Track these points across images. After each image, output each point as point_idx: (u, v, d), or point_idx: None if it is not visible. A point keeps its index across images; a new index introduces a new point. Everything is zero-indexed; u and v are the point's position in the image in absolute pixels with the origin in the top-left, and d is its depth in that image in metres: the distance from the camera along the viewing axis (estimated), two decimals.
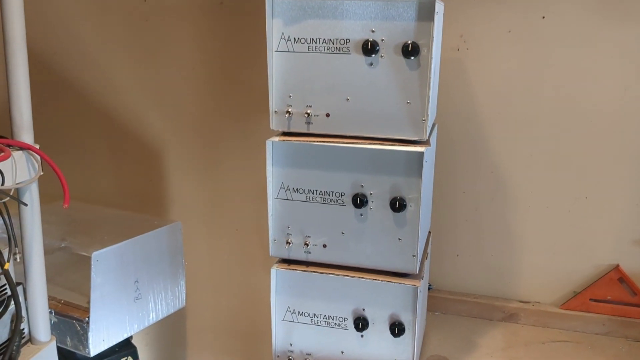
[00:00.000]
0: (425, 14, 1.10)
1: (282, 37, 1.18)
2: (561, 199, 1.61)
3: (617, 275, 1.59)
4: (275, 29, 1.19)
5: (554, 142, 1.57)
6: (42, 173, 1.04)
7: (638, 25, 1.46)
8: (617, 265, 1.59)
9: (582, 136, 1.55)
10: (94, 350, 1.40)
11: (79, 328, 1.39)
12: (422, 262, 1.29)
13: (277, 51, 1.19)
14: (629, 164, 1.54)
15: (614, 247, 1.59)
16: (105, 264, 1.41)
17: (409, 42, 1.11)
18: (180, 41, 1.86)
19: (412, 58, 1.12)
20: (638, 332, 1.58)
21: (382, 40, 1.13)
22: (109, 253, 1.42)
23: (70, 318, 1.40)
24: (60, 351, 1.40)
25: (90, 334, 1.39)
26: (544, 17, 1.52)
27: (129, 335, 1.52)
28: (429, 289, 1.71)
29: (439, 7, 1.17)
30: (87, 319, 1.38)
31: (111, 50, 1.95)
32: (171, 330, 2.14)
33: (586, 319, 1.62)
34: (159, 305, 1.60)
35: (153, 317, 1.59)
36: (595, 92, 1.52)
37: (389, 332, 1.28)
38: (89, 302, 1.38)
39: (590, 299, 1.62)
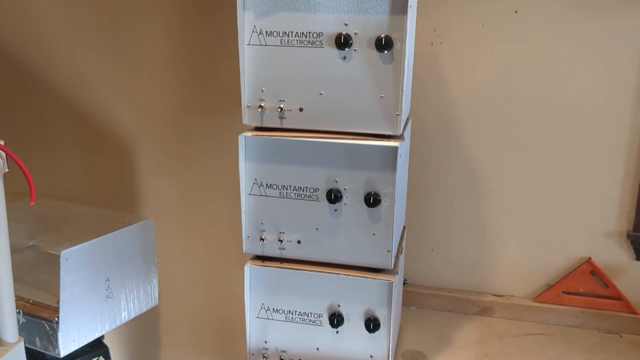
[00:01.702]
0: (399, 7, 1.09)
1: (254, 30, 1.17)
2: (534, 193, 1.62)
3: (589, 268, 1.60)
4: (246, 22, 1.17)
5: (527, 136, 1.58)
6: (7, 170, 1.01)
7: (610, 21, 1.47)
8: (589, 258, 1.61)
9: (554, 130, 1.57)
10: (64, 351, 1.37)
11: (48, 328, 1.36)
12: (397, 257, 1.28)
13: (248, 44, 1.18)
14: (600, 158, 1.56)
15: (586, 240, 1.61)
16: (75, 263, 1.38)
17: (383, 35, 1.10)
18: (150, 35, 1.82)
19: (386, 52, 1.11)
20: (610, 324, 1.60)
21: (356, 33, 1.12)
22: (79, 251, 1.39)
23: (39, 318, 1.37)
24: (30, 352, 1.38)
25: (60, 334, 1.36)
26: (516, 12, 1.52)
27: (100, 334, 1.49)
28: (404, 283, 1.71)
29: (412, 1, 1.16)
30: (56, 319, 1.35)
31: (80, 44, 1.91)
32: (144, 329, 2.11)
33: (559, 312, 1.63)
34: (131, 304, 1.58)
35: (125, 316, 1.56)
36: (568, 86, 1.53)
37: (364, 328, 1.27)
38: (58, 302, 1.35)
39: (563, 292, 1.64)
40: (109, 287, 1.50)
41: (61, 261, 1.34)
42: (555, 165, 1.58)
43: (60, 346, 1.37)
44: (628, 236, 1.58)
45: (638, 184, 1.55)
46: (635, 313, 1.59)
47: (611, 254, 1.60)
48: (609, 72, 1.50)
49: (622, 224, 1.58)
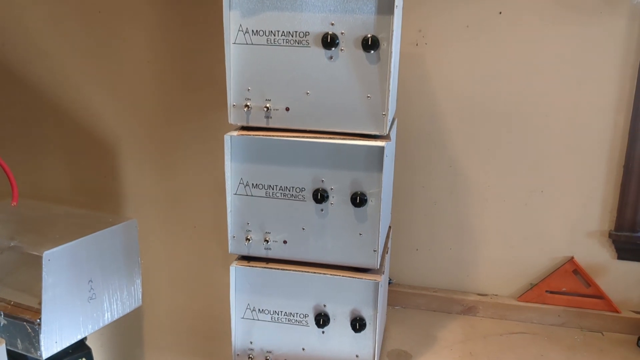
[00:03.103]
0: (385, 7, 1.09)
1: (240, 29, 1.16)
2: (518, 193, 1.63)
3: (571, 267, 1.62)
4: (232, 21, 1.16)
5: (510, 136, 1.59)
6: None
7: (592, 23, 1.49)
8: (572, 258, 1.62)
9: (537, 130, 1.58)
10: (46, 353, 1.36)
11: (30, 330, 1.34)
12: (382, 257, 1.29)
13: (234, 43, 1.17)
14: (582, 158, 1.58)
15: (568, 239, 1.62)
16: (57, 264, 1.36)
17: (369, 35, 1.10)
18: (134, 34, 1.81)
19: (372, 52, 1.11)
20: (592, 323, 1.61)
21: (342, 33, 1.12)
22: (61, 252, 1.37)
23: (21, 320, 1.35)
24: (11, 354, 1.36)
25: (42, 336, 1.34)
26: (500, 13, 1.53)
27: (83, 336, 1.48)
28: (389, 283, 1.71)
29: (399, 1, 1.16)
30: (38, 320, 1.33)
31: (62, 43, 1.89)
32: (127, 330, 2.09)
33: (542, 311, 1.65)
34: (114, 305, 1.56)
35: (108, 317, 1.54)
36: (551, 87, 1.55)
37: (350, 328, 1.27)
38: (40, 303, 1.33)
39: (546, 291, 1.65)
40: (91, 288, 1.48)
41: (43, 262, 1.32)
42: (538, 166, 1.60)
43: (42, 348, 1.35)
44: (610, 235, 1.60)
45: (620, 184, 1.57)
46: (617, 311, 1.61)
47: (593, 253, 1.62)
48: (592, 73, 1.52)
49: (604, 224, 1.60)
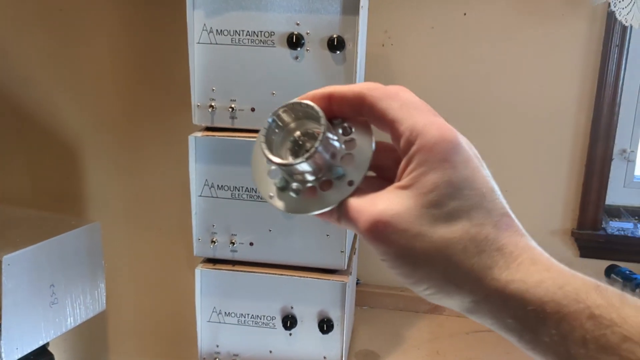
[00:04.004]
0: (351, 7, 1.09)
1: (204, 28, 1.15)
2: None
3: None
4: (196, 21, 1.15)
5: (475, 136, 1.60)
6: None
7: (554, 23, 1.51)
8: None
9: (502, 131, 1.60)
10: None
11: None
12: (350, 258, 1.28)
13: (198, 43, 1.16)
14: (545, 158, 1.60)
15: (533, 238, 1.64)
16: (18, 268, 1.33)
17: (335, 36, 1.10)
18: (97, 32, 1.78)
19: (338, 52, 1.11)
20: None
21: (308, 33, 1.12)
22: (22, 256, 1.34)
23: None
24: None
25: (2, 343, 1.30)
26: (465, 14, 1.55)
27: (45, 342, 1.44)
28: (357, 283, 1.71)
29: (364, 1, 1.16)
30: None
31: (22, 41, 1.85)
32: (91, 335, 2.06)
33: None
34: (77, 310, 1.53)
35: (71, 322, 1.51)
36: (514, 88, 1.57)
37: (317, 329, 1.27)
38: (0, 309, 1.30)
39: None
40: (53, 293, 1.45)
41: (3, 267, 1.28)
42: (502, 165, 1.61)
43: (3, 355, 1.32)
44: (572, 234, 1.63)
45: (582, 183, 1.60)
46: None
47: (557, 252, 1.64)
48: (554, 74, 1.54)
49: (566, 223, 1.63)
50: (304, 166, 0.41)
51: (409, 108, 0.41)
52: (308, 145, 0.43)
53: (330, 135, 0.41)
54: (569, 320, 0.34)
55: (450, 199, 0.38)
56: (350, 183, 0.41)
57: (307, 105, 0.41)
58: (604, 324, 0.34)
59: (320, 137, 0.40)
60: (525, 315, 0.36)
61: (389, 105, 0.41)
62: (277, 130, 0.43)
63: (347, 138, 0.43)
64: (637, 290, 1.41)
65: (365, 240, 0.40)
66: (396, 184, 0.40)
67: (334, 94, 0.42)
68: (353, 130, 0.43)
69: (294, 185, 0.42)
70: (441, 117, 0.42)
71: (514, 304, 0.36)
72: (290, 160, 0.41)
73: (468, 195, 0.38)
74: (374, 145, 0.42)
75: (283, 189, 0.43)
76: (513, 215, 0.40)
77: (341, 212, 0.41)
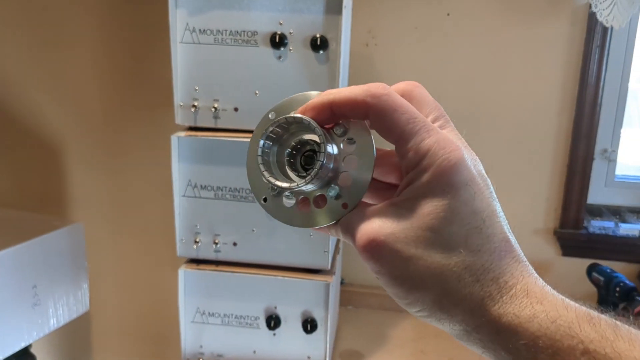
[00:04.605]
0: (334, 7, 1.09)
1: (187, 28, 1.14)
2: None
3: None
4: (179, 20, 1.14)
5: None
6: None
7: (537, 24, 1.52)
8: None
9: (486, 131, 1.61)
10: None
11: None
12: (334, 258, 1.29)
13: (181, 43, 1.15)
14: (528, 157, 1.61)
15: (516, 237, 1.64)
16: (0, 269, 1.32)
17: (318, 35, 1.10)
18: (81, 32, 1.76)
19: (321, 52, 1.11)
20: None
21: (291, 33, 1.11)
22: (3, 257, 1.33)
23: None
24: None
25: None
26: (448, 14, 1.55)
27: (27, 343, 1.43)
28: (341, 283, 1.71)
29: (347, 1, 1.16)
30: None
31: (4, 41, 1.83)
32: (75, 336, 2.04)
33: None
34: (60, 311, 1.52)
35: (54, 323, 1.50)
36: (498, 88, 1.58)
37: (301, 329, 1.27)
38: None
39: None
40: (36, 294, 1.43)
41: None
42: (484, 165, 1.61)
43: None
44: (555, 233, 1.64)
45: (564, 183, 1.61)
46: None
47: (540, 251, 1.66)
48: (536, 75, 1.55)
49: (549, 222, 1.64)
50: (309, 187, 0.40)
51: (416, 123, 0.39)
52: (305, 156, 0.42)
53: (330, 150, 0.40)
54: (563, 356, 0.34)
55: (449, 225, 0.37)
56: (345, 206, 0.40)
57: (302, 119, 0.40)
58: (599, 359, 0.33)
59: (320, 158, 0.39)
60: (517, 348, 0.35)
61: (397, 120, 0.39)
62: (271, 143, 0.42)
63: (348, 150, 0.41)
64: (618, 289, 1.43)
65: (361, 257, 0.39)
66: (395, 200, 0.39)
67: (334, 102, 0.40)
68: (355, 142, 0.41)
69: (288, 192, 0.42)
70: (450, 125, 0.42)
71: (506, 336, 0.36)
72: (294, 181, 0.40)
73: (467, 221, 0.37)
74: (373, 163, 0.41)
75: (278, 194, 0.43)
76: (512, 239, 0.39)
77: (337, 226, 0.41)
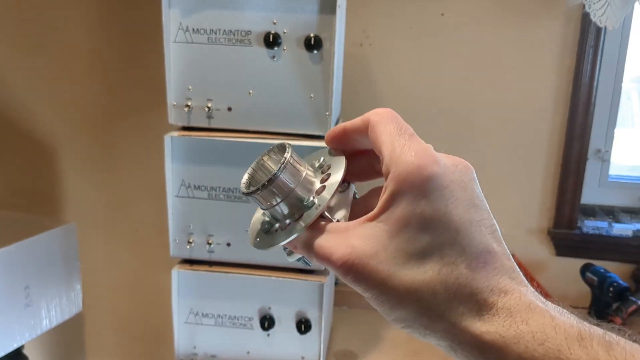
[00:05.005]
0: (328, 6, 1.09)
1: (180, 27, 1.14)
2: None
3: None
4: (172, 19, 1.14)
5: (453, 135, 1.62)
6: None
7: (530, 24, 1.52)
8: (514, 255, 1.66)
9: (479, 130, 1.61)
10: None
11: None
12: None
13: (175, 42, 1.15)
14: (522, 157, 1.61)
15: (509, 237, 1.64)
16: None
17: (312, 35, 1.10)
18: (73, 30, 1.75)
19: (315, 52, 1.11)
20: None
21: (285, 32, 1.11)
22: None
23: None
24: None
25: None
26: (443, 15, 1.55)
27: (20, 344, 1.42)
28: (335, 284, 1.71)
29: (341, 1, 1.16)
30: None
31: None
32: (68, 337, 2.03)
33: None
34: (53, 312, 1.51)
35: (46, 324, 1.49)
36: (492, 87, 1.58)
37: (295, 330, 1.27)
38: None
39: None
40: (28, 295, 1.42)
41: None
42: (480, 165, 1.61)
43: None
44: (549, 233, 1.64)
45: (557, 182, 1.61)
46: None
47: (533, 251, 1.66)
48: (530, 75, 1.56)
49: (543, 222, 1.65)
50: (266, 194, 0.41)
51: (399, 132, 0.39)
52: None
53: (293, 162, 0.41)
54: None
55: (422, 234, 0.36)
56: (317, 207, 0.40)
57: (276, 145, 0.42)
58: None
59: (282, 161, 0.40)
60: None
61: (383, 129, 0.39)
62: (261, 174, 0.44)
63: (323, 175, 0.42)
64: (611, 289, 1.43)
65: (342, 280, 0.38)
66: (371, 215, 0.38)
67: (346, 127, 0.42)
68: (330, 165, 0.43)
69: (276, 225, 0.43)
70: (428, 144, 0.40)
71: (492, 355, 0.35)
72: (252, 187, 0.42)
73: (440, 231, 0.36)
74: (337, 184, 0.41)
75: (266, 231, 0.44)
76: (497, 248, 0.37)
77: (311, 251, 0.40)
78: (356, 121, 0.42)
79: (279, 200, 0.41)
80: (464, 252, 0.36)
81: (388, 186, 0.37)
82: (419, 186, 0.36)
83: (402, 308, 0.37)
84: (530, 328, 0.34)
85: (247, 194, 0.41)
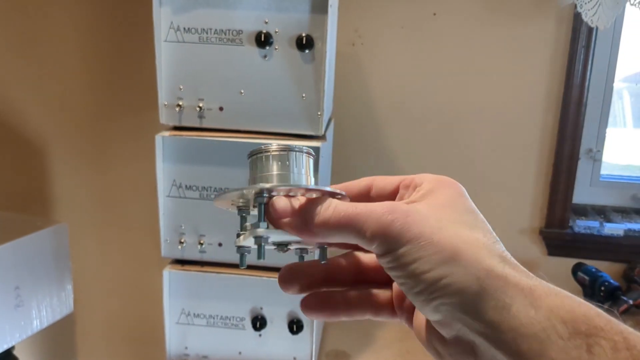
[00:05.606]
0: (319, 6, 1.09)
1: (171, 26, 1.13)
2: None
3: None
4: (163, 18, 1.13)
5: (445, 136, 1.62)
6: None
7: (522, 24, 1.53)
8: None
9: (471, 130, 1.61)
10: None
11: None
12: None
13: (165, 41, 1.14)
14: (514, 157, 1.62)
15: (501, 237, 1.64)
16: None
17: (304, 34, 1.09)
18: (64, 29, 1.74)
19: (307, 51, 1.11)
20: None
21: (276, 32, 1.11)
22: None
23: None
24: None
25: None
26: (435, 14, 1.55)
27: (10, 345, 1.41)
28: None
29: (333, 0, 1.16)
30: None
31: None
32: (59, 338, 2.02)
33: None
34: (44, 312, 1.50)
35: (37, 324, 1.48)
36: (483, 88, 1.58)
37: (287, 330, 1.26)
38: None
39: None
40: (18, 295, 1.42)
41: None
42: (472, 164, 1.62)
43: None
44: (540, 232, 1.64)
45: (549, 182, 1.61)
46: None
47: (525, 250, 1.66)
48: (522, 74, 1.56)
49: (534, 221, 1.65)
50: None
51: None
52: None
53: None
54: None
55: (467, 214, 0.39)
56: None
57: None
58: None
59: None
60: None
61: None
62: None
63: None
64: (603, 288, 1.43)
65: (373, 242, 0.36)
66: (409, 200, 0.41)
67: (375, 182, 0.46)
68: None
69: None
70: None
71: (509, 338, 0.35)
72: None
73: (481, 218, 0.40)
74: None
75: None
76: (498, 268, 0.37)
77: (334, 214, 0.38)
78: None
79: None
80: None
81: (422, 186, 0.41)
82: (454, 184, 0.42)
83: (441, 262, 0.35)
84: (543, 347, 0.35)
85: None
